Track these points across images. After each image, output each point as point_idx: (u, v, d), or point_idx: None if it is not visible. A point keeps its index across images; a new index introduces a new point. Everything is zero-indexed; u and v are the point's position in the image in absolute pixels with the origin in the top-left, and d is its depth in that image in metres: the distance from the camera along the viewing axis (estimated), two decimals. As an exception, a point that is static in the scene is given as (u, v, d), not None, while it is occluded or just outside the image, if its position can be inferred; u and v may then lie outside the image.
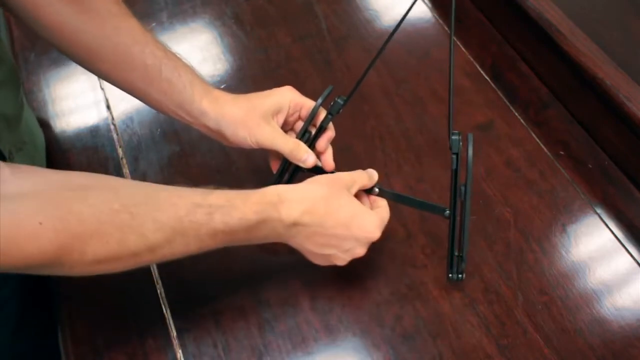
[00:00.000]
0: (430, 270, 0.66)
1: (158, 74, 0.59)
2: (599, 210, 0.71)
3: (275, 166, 0.65)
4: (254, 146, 0.61)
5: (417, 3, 0.53)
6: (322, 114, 0.62)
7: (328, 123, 0.62)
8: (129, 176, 0.74)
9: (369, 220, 0.57)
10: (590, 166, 0.74)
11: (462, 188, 0.56)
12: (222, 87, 0.82)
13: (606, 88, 0.71)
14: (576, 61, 0.74)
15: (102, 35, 0.59)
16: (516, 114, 0.80)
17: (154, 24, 0.90)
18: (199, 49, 0.88)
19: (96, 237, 0.45)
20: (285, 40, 0.89)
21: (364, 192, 0.62)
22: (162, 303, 0.64)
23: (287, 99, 0.62)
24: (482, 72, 0.84)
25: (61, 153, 0.77)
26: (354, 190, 0.59)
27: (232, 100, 0.61)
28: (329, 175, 0.60)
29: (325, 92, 0.61)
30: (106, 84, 0.83)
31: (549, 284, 0.65)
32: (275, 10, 0.93)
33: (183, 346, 0.61)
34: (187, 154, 0.76)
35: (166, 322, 0.62)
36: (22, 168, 0.47)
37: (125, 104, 0.81)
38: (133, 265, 0.49)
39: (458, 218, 0.59)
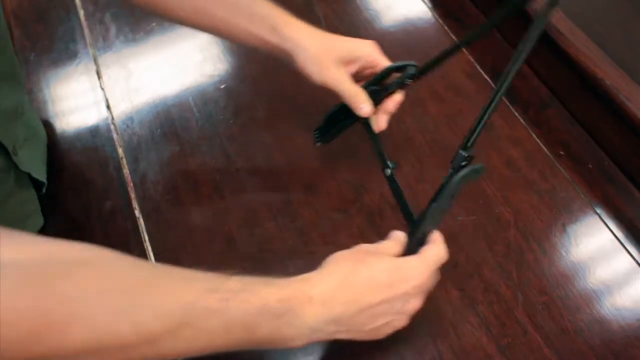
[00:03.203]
0: (430, 270, 0.66)
1: (238, 10, 0.61)
2: (599, 210, 0.71)
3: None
4: (318, 83, 0.61)
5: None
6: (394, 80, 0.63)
7: (394, 88, 0.62)
8: (129, 176, 0.74)
9: (411, 268, 0.51)
10: (590, 166, 0.74)
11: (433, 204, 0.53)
12: (222, 87, 0.82)
13: (606, 88, 0.71)
14: (576, 61, 0.74)
15: None
16: (516, 114, 0.80)
17: (154, 24, 0.90)
18: (199, 49, 0.87)
19: (80, 321, 0.37)
20: (285, 40, 0.89)
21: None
22: (162, 303, 0.64)
23: (366, 52, 0.62)
24: (482, 72, 0.84)
25: (61, 153, 0.77)
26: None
27: (312, 33, 0.62)
28: (350, 250, 0.53)
29: (404, 63, 0.61)
30: (106, 84, 0.83)
31: (549, 284, 0.65)
32: (275, 10, 0.93)
33: (183, 346, 0.61)
34: (187, 154, 0.76)
35: (166, 322, 0.62)
36: (13, 233, 0.40)
37: (125, 104, 0.81)
38: (125, 359, 0.41)
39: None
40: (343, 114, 0.66)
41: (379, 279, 0.49)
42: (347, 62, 0.61)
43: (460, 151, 0.51)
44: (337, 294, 0.47)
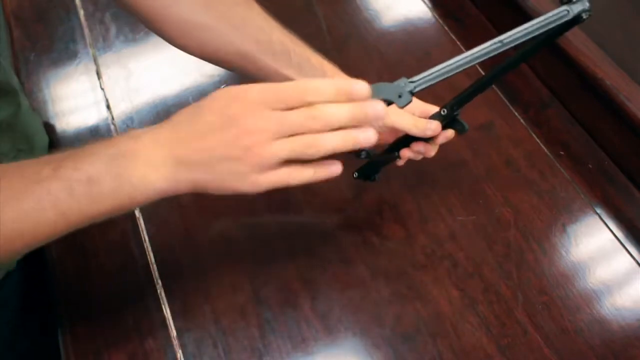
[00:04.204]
0: (430, 270, 0.66)
1: (288, 60, 0.60)
2: (599, 210, 0.71)
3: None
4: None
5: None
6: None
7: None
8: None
9: (249, 118, 0.47)
10: (590, 166, 0.74)
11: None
12: (222, 87, 0.82)
13: (606, 88, 0.71)
14: (576, 61, 0.74)
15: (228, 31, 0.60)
16: (516, 114, 0.80)
17: (154, 24, 0.90)
18: (199, 49, 0.88)
19: None
20: (285, 40, 0.89)
21: None
22: (162, 303, 0.64)
23: (406, 127, 0.61)
24: (482, 72, 0.84)
25: (61, 153, 0.77)
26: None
27: None
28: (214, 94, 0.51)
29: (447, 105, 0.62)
30: (106, 84, 0.83)
31: (549, 284, 0.65)
32: (275, 10, 0.93)
33: (183, 346, 0.61)
34: (187, 154, 0.76)
35: (166, 322, 0.62)
36: None
37: (125, 104, 0.81)
38: None
39: None
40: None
41: (208, 120, 0.48)
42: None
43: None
44: (167, 141, 0.48)
